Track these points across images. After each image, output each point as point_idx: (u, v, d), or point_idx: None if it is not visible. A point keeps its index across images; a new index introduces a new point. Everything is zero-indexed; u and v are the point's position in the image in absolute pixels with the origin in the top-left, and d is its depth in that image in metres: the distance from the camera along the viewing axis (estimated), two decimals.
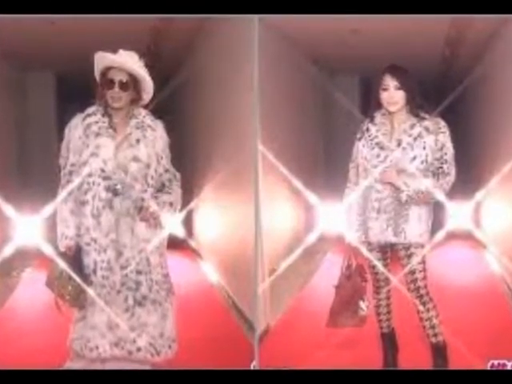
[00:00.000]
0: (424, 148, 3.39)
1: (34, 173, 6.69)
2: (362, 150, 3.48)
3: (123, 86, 3.29)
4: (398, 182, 3.38)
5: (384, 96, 3.42)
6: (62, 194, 3.31)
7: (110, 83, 3.29)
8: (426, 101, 3.45)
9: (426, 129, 3.41)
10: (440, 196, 3.40)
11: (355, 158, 3.56)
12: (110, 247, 3.28)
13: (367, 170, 3.46)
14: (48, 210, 3.42)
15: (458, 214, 4.06)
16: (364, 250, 3.50)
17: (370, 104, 3.53)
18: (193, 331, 4.06)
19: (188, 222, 6.14)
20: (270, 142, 4.03)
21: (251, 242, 4.14)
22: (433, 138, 3.40)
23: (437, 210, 3.52)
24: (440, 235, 3.62)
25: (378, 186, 3.43)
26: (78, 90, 3.71)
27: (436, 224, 3.55)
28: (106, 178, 3.27)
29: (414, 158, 3.39)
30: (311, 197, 4.01)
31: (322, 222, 4.41)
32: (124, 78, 3.29)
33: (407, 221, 3.40)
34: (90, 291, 3.27)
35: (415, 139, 3.39)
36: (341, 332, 3.64)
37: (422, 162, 3.39)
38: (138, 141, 3.33)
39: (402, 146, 3.39)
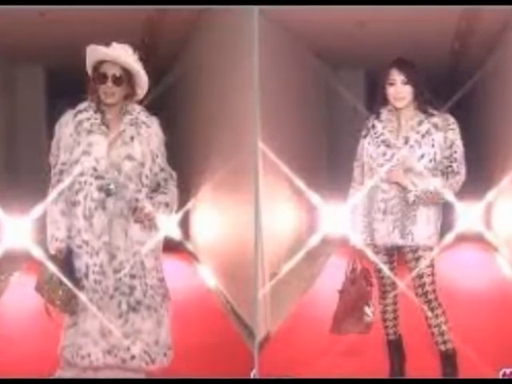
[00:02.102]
0: (432, 146, 3.33)
1: (22, 172, 6.85)
2: (367, 147, 3.44)
3: (116, 81, 3.24)
4: (405, 181, 3.33)
5: (390, 91, 3.37)
6: (53, 194, 3.25)
7: (103, 78, 3.24)
8: (434, 96, 3.40)
9: (435, 125, 3.36)
10: (449, 196, 3.34)
11: (360, 157, 3.52)
12: (102, 250, 3.22)
13: (373, 169, 3.41)
14: (38, 210, 3.37)
15: (468, 215, 4.03)
16: (369, 253, 3.46)
17: (375, 99, 3.48)
18: (189, 338, 4.05)
19: (185, 224, 6.19)
20: (271, 140, 4.03)
21: (251, 245, 4.12)
22: (442, 135, 3.35)
23: (446, 210, 3.48)
24: (449, 237, 3.58)
25: (384, 185, 3.37)
26: (69, 85, 3.69)
27: (445, 225, 3.52)
28: (98, 178, 3.21)
29: (422, 156, 3.33)
30: (314, 197, 4.01)
31: (325, 224, 4.45)
32: (117, 73, 3.24)
33: (415, 222, 3.35)
34: (82, 296, 3.21)
35: (423, 136, 3.34)
36: (345, 339, 3.60)
37: (431, 161, 3.33)
38: (132, 138, 3.27)
39: (410, 143, 3.34)
